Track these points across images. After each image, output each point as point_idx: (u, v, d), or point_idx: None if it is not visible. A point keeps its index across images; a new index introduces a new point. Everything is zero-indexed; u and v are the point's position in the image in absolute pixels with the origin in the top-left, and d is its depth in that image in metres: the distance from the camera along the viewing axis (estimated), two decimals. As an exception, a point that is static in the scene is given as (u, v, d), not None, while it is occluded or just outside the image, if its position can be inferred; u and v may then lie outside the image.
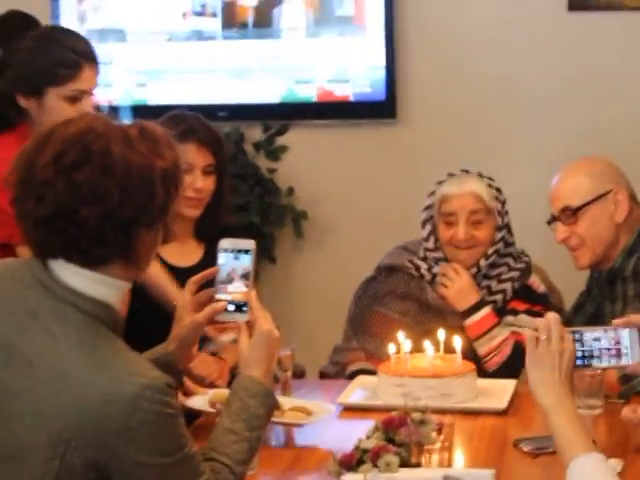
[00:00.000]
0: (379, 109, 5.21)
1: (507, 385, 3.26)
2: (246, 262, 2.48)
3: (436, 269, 3.68)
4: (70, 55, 3.42)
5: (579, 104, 5.05)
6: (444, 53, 5.15)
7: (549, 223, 3.59)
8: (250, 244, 2.50)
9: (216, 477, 2.22)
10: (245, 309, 2.44)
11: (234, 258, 2.49)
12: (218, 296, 2.47)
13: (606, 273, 3.57)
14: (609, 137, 4.64)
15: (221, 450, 2.28)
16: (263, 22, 5.24)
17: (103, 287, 2.18)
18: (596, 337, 2.66)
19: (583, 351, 2.67)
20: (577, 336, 2.64)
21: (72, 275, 2.16)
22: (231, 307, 2.46)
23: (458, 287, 3.59)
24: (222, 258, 2.49)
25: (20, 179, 2.17)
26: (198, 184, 3.53)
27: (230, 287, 2.47)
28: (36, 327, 2.14)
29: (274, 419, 2.78)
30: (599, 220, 3.53)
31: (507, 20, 5.09)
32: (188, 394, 3.05)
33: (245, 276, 2.48)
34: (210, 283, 2.51)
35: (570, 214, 3.53)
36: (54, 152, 2.14)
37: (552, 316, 2.54)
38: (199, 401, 3.04)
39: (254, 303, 2.44)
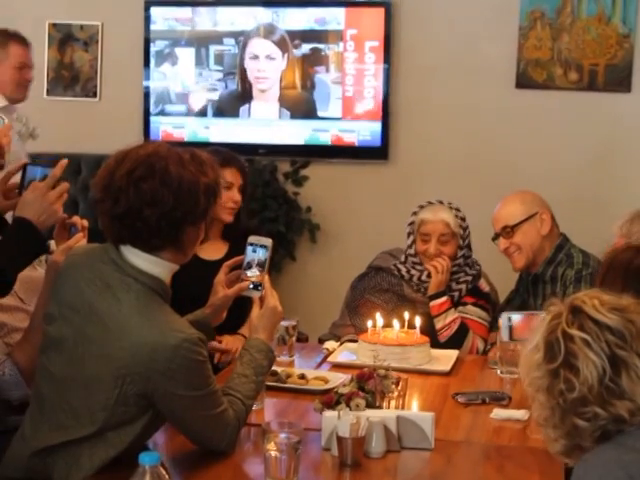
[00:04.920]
0: (376, 153, 5.19)
1: (451, 354, 3.25)
2: (261, 254, 2.48)
3: (413, 272, 3.65)
4: None
5: (522, 157, 5.02)
6: (422, 118, 5.14)
7: (493, 239, 3.60)
8: (268, 241, 2.49)
9: (232, 406, 2.23)
10: (260, 288, 2.43)
11: (253, 251, 2.49)
12: (243, 277, 2.49)
13: (532, 277, 3.57)
14: (546, 183, 4.60)
15: (236, 388, 2.28)
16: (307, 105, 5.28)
17: (157, 267, 2.17)
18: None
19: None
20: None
21: (135, 257, 2.16)
22: (251, 286, 2.47)
23: (439, 278, 3.58)
24: (247, 250, 2.49)
25: (102, 185, 2.16)
26: (236, 198, 3.51)
27: (249, 272, 2.47)
28: (108, 293, 2.13)
29: (301, 386, 2.82)
30: (530, 233, 3.54)
31: (468, 94, 5.07)
32: None
33: (260, 264, 2.47)
34: (238, 267, 2.52)
35: (509, 230, 3.54)
36: (128, 168, 2.13)
37: None
38: None
39: (266, 284, 2.44)
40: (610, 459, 1.63)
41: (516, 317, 2.94)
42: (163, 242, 2.16)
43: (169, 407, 2.13)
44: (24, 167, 2.44)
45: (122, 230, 2.15)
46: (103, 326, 2.11)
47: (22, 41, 4.21)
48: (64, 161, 2.44)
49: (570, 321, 1.70)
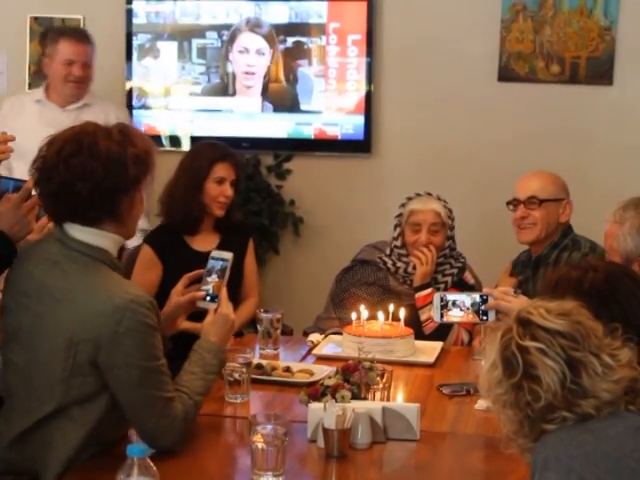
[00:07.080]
0: (359, 146, 5.15)
1: (436, 346, 3.26)
2: (220, 266, 2.51)
3: (399, 264, 3.67)
4: None
5: (504, 150, 5.00)
6: (405, 111, 5.10)
7: (508, 204, 3.60)
8: (229, 255, 2.54)
9: (181, 400, 2.23)
10: (216, 300, 2.46)
11: (213, 264, 2.52)
12: (201, 288, 2.50)
13: (534, 259, 3.58)
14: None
15: (184, 384, 2.28)
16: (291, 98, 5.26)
17: (100, 238, 2.23)
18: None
19: None
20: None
21: (78, 232, 2.22)
22: (207, 298, 2.49)
23: (425, 269, 3.59)
24: (209, 263, 2.53)
25: (36, 168, 2.24)
26: (228, 193, 3.52)
27: (208, 279, 2.50)
28: (57, 270, 2.19)
29: (287, 379, 2.82)
30: (552, 214, 3.56)
31: (451, 87, 5.04)
32: None
33: (221, 272, 2.51)
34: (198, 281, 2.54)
35: (536, 202, 3.54)
36: (57, 147, 2.21)
37: None
38: None
39: (222, 294, 2.47)
40: (566, 437, 1.67)
41: (450, 297, 2.98)
42: (99, 213, 2.22)
43: (117, 381, 2.14)
44: None
45: (59, 207, 2.23)
46: (54, 300, 2.16)
47: (73, 37, 4.29)
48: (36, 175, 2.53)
49: (522, 333, 1.73)
